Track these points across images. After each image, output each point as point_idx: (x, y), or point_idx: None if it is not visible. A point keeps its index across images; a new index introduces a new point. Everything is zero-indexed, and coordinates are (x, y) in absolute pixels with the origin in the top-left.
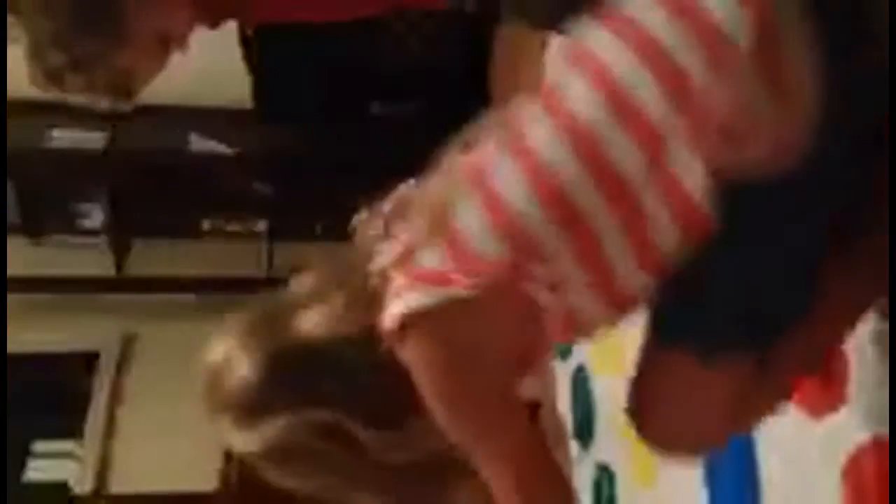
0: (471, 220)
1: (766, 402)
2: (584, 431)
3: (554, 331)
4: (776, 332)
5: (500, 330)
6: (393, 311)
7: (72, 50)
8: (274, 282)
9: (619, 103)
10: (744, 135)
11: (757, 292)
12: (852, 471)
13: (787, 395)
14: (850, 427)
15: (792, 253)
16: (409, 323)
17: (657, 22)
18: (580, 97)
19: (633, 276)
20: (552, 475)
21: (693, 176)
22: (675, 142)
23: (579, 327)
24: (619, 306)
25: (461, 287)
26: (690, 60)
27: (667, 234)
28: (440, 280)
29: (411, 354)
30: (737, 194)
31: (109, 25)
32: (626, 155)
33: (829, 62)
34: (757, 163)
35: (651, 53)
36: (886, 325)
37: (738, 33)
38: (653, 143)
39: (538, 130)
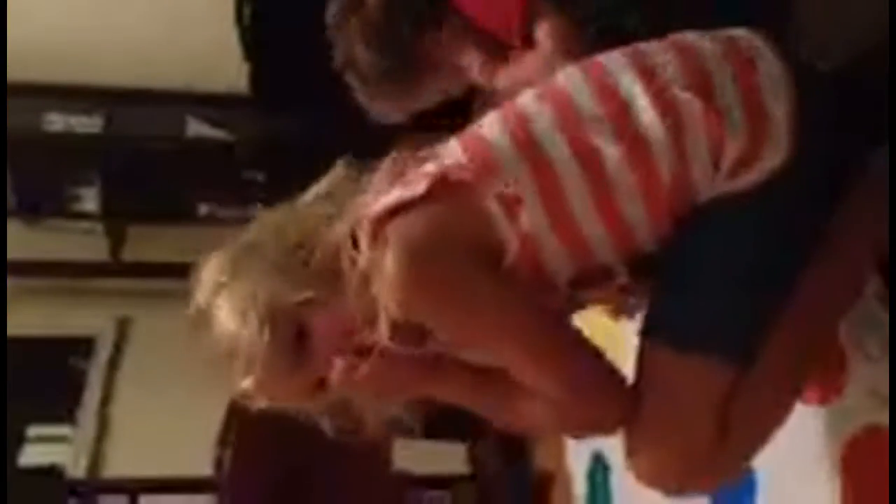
0: (449, 148)
1: (763, 405)
2: None
3: (515, 245)
4: (751, 333)
5: (461, 225)
6: (369, 212)
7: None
8: None
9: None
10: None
11: (730, 290)
12: (850, 459)
13: (789, 395)
14: (847, 415)
15: (763, 259)
16: (385, 220)
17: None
18: (568, 78)
19: (591, 223)
20: (570, 342)
21: (666, 162)
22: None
23: (542, 258)
24: (576, 250)
25: (424, 186)
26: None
27: (632, 204)
28: (411, 184)
29: (390, 246)
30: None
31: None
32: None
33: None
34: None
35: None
36: (883, 312)
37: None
38: (620, 118)
39: (523, 97)
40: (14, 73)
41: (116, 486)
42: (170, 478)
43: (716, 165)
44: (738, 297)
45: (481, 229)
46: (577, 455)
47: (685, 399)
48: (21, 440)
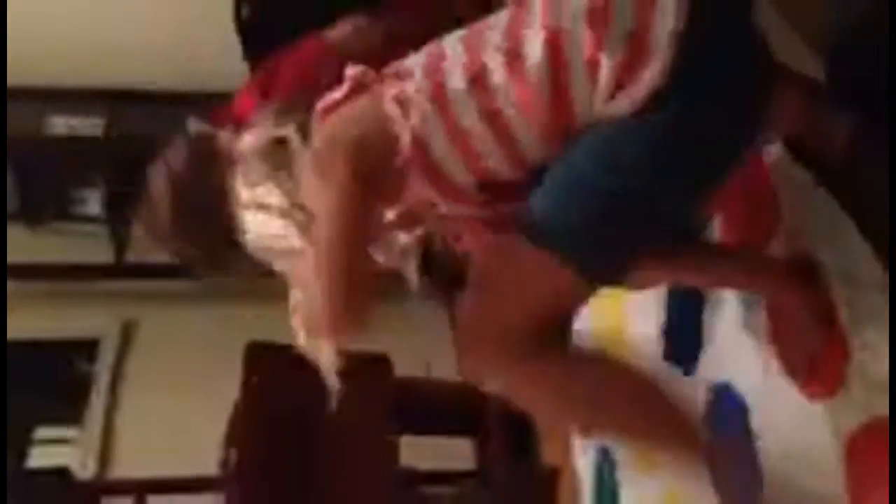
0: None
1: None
2: None
3: (406, 139)
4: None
5: (364, 122)
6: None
7: None
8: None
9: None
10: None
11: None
12: (857, 451)
13: None
14: (853, 407)
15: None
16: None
17: None
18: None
19: (471, 117)
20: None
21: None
22: None
23: (434, 159)
24: (461, 147)
25: (345, 89)
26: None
27: (511, 108)
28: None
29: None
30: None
31: None
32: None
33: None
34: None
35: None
36: (883, 305)
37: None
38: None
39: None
40: (16, 76)
41: (124, 487)
42: (176, 478)
43: (592, 78)
44: (569, 201)
45: (379, 126)
46: (583, 450)
47: (519, 281)
48: (29, 442)
